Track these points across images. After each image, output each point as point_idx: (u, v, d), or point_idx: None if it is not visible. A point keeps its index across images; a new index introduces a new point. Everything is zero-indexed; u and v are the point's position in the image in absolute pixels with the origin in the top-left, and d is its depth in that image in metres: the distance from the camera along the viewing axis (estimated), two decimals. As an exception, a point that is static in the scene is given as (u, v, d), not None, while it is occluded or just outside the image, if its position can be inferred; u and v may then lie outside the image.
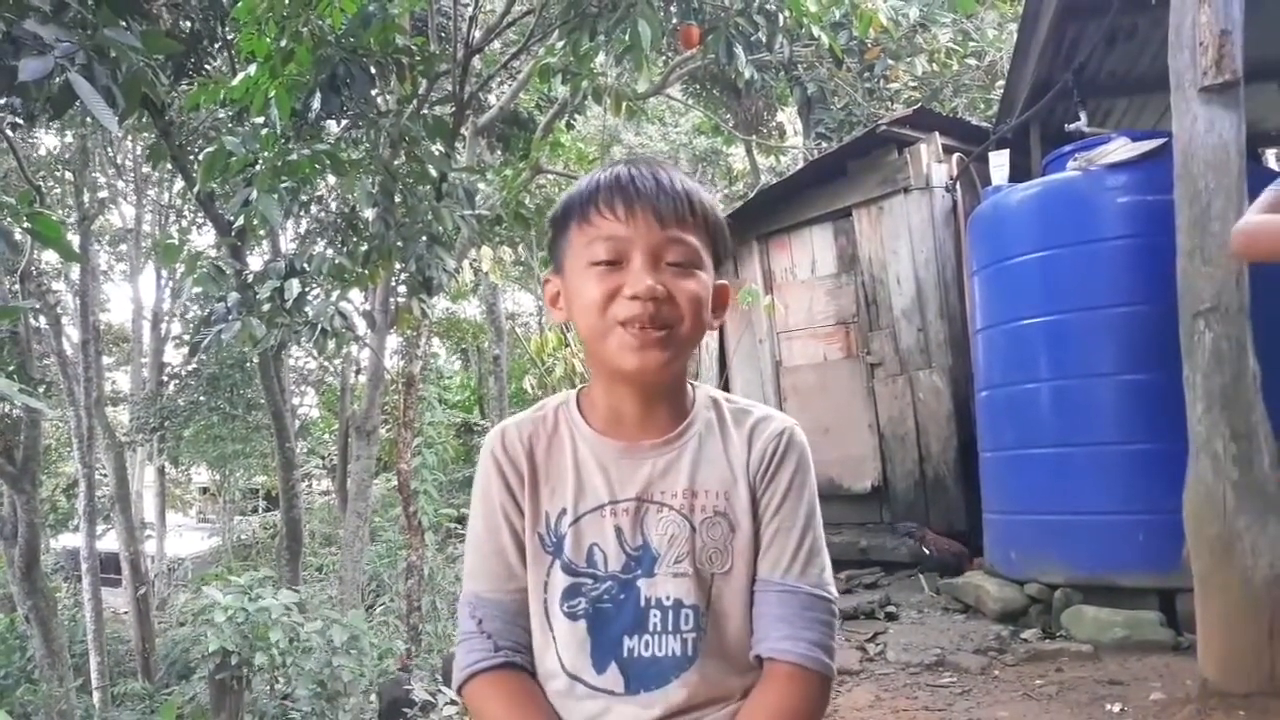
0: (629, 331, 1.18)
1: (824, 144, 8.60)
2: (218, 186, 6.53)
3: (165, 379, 15.77)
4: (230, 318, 5.22)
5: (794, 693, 1.19)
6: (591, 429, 1.29)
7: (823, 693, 1.22)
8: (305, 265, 5.45)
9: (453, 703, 5.01)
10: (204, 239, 13.88)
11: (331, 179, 5.85)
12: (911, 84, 8.61)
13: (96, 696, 12.23)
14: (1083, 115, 4.68)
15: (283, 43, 4.77)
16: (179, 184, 13.70)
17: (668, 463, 1.26)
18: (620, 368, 1.21)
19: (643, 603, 1.22)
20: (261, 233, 7.36)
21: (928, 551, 5.35)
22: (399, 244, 5.33)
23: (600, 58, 6.32)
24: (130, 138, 12.76)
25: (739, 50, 5.76)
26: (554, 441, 1.30)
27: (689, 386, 1.32)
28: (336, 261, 5.45)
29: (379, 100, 5.85)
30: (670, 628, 1.22)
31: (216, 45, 7.19)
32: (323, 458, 19.47)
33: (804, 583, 1.24)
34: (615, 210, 1.19)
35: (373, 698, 7.09)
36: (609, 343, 1.20)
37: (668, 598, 1.22)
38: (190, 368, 14.72)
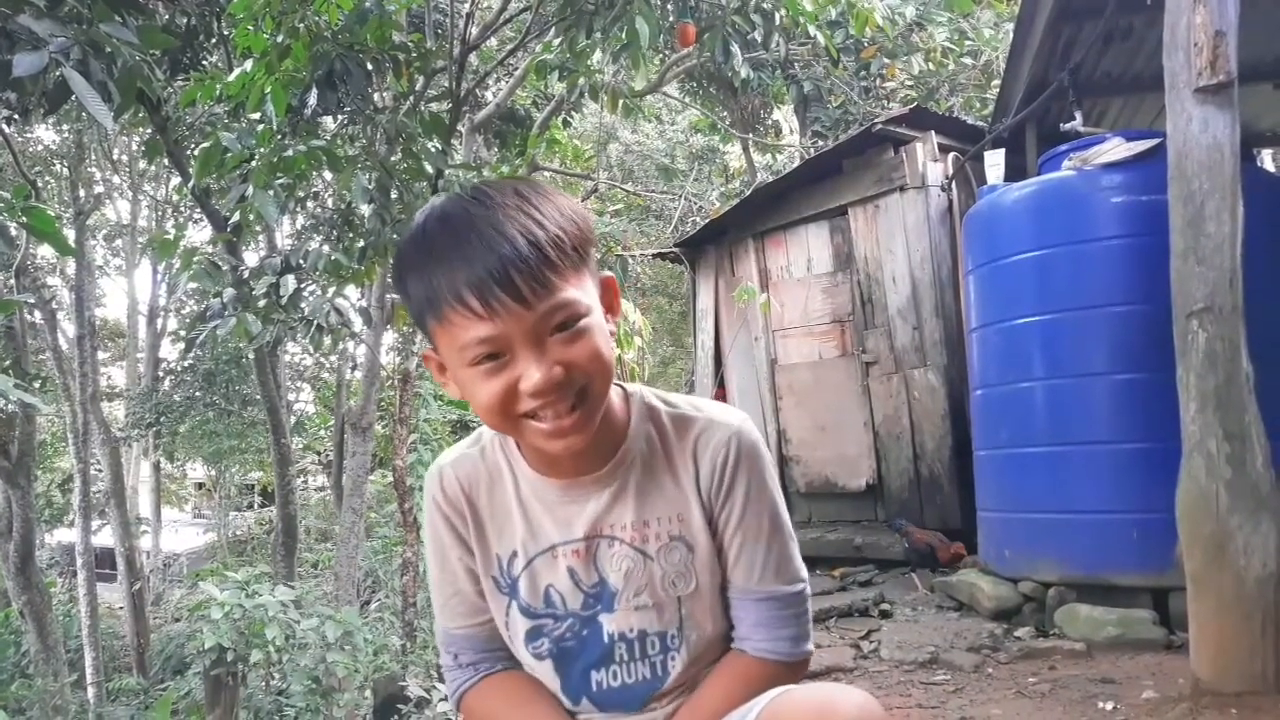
0: (541, 422, 1.09)
1: (820, 142, 8.61)
2: (214, 182, 6.53)
3: (161, 374, 15.75)
4: (226, 313, 5.21)
5: (772, 675, 1.22)
6: (530, 468, 1.23)
7: (800, 672, 1.26)
8: (301, 261, 5.45)
9: (446, 699, 5.02)
10: (200, 234, 13.85)
11: (328, 175, 5.84)
12: (907, 83, 8.62)
13: (91, 692, 12.21)
14: (1078, 115, 4.68)
15: (279, 39, 4.77)
16: (175, 179, 13.68)
17: (612, 495, 1.21)
18: (544, 451, 1.16)
19: (606, 639, 1.22)
20: (257, 228, 7.34)
21: (907, 545, 5.42)
22: (395, 240, 5.32)
23: (597, 55, 6.31)
24: (126, 133, 12.72)
25: (735, 48, 5.76)
26: (495, 481, 1.25)
27: (622, 398, 1.23)
28: (332, 258, 5.44)
29: (375, 97, 5.84)
30: (637, 655, 1.23)
31: (213, 41, 7.18)
32: (318, 454, 19.44)
33: (779, 585, 1.24)
34: (470, 307, 1.03)
35: (368, 693, 7.10)
36: (524, 434, 1.13)
37: (631, 630, 1.22)
38: (186, 363, 14.69)
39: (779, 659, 1.23)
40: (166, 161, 8.97)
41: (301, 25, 4.75)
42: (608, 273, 1.18)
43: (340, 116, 6.02)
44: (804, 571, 1.28)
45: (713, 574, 1.23)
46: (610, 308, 1.15)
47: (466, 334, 1.04)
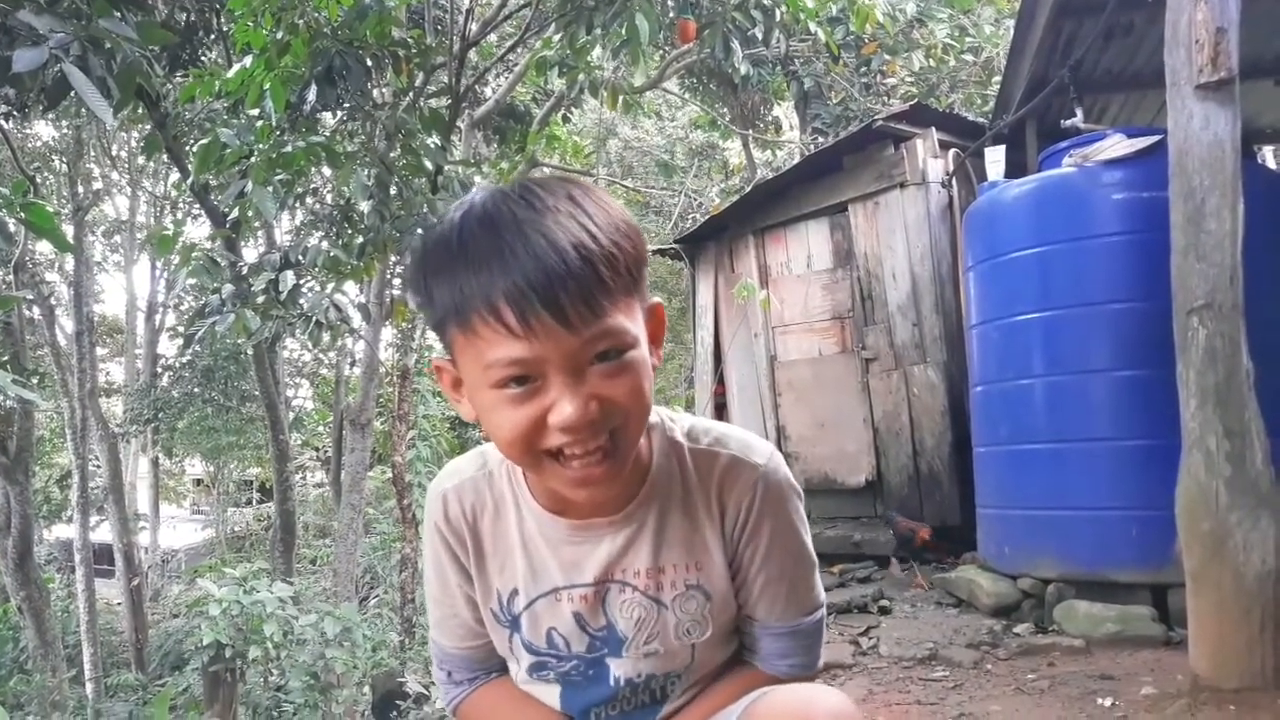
0: (566, 465, 0.98)
1: (820, 139, 8.61)
2: (213, 178, 6.52)
3: (159, 370, 15.76)
4: (225, 309, 5.21)
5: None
6: (538, 503, 1.13)
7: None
8: (300, 257, 5.44)
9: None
10: (199, 230, 13.82)
11: (327, 171, 5.84)
12: (908, 79, 8.62)
13: (90, 687, 12.21)
14: (1079, 111, 4.68)
15: (278, 35, 4.77)
16: (174, 175, 13.64)
17: (627, 539, 1.12)
18: (566, 497, 1.07)
19: (612, 681, 1.17)
20: (256, 225, 7.35)
21: (893, 533, 5.50)
22: (394, 236, 5.32)
23: (597, 51, 6.31)
24: (125, 129, 12.71)
25: (735, 45, 5.76)
26: (500, 512, 1.16)
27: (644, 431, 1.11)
28: (331, 254, 5.44)
29: (375, 93, 5.84)
30: (641, 691, 1.20)
31: (212, 37, 7.18)
32: (317, 450, 19.44)
33: (800, 618, 1.20)
34: (505, 322, 0.90)
35: (366, 689, 7.11)
36: (545, 474, 1.02)
37: (639, 675, 1.17)
38: (184, 359, 14.70)
39: (788, 677, 1.21)
40: (165, 157, 8.97)
41: (301, 21, 4.76)
42: (656, 298, 1.04)
43: (339, 112, 6.02)
44: (823, 594, 1.23)
45: (728, 612, 1.17)
46: (654, 338, 1.02)
47: (495, 352, 0.92)
